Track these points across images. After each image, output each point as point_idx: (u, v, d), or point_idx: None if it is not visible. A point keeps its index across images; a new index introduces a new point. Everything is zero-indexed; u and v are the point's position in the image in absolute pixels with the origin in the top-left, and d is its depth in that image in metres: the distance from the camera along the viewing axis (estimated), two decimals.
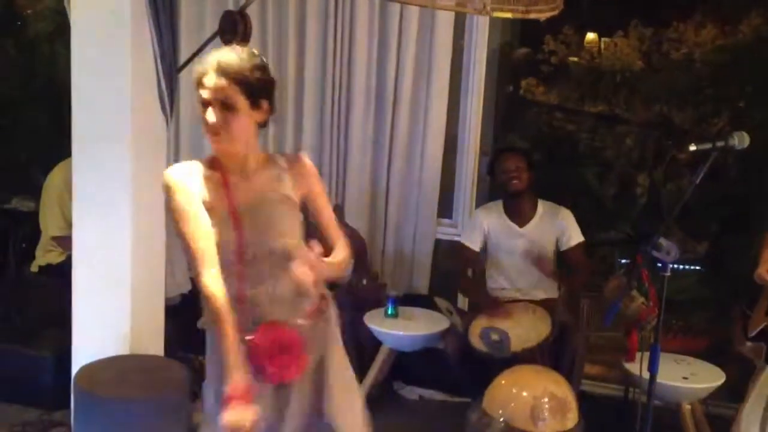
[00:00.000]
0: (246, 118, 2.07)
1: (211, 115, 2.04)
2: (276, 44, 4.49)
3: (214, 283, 2.02)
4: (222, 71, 2.03)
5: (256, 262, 2.11)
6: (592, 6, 5.34)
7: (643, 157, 5.32)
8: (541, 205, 3.82)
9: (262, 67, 2.11)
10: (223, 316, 2.02)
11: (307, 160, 2.24)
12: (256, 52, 2.14)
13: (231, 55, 2.07)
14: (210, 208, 2.08)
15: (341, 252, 2.26)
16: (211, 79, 2.04)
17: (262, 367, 2.10)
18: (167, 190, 2.09)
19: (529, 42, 5.32)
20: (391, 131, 4.38)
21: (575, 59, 5.60)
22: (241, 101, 2.04)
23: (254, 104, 2.07)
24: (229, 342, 2.01)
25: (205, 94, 2.05)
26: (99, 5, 3.09)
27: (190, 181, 2.10)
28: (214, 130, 2.06)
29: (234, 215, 2.09)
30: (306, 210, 2.23)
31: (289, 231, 2.16)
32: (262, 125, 2.15)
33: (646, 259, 2.58)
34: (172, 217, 2.08)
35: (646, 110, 5.32)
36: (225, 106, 2.04)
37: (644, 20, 5.25)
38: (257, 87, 2.07)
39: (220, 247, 2.06)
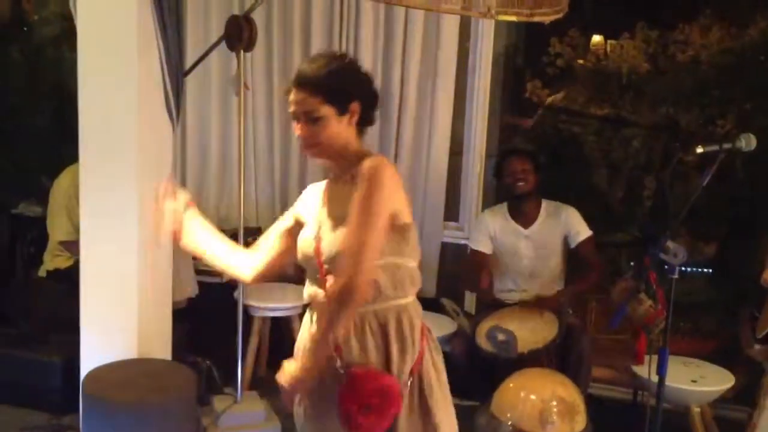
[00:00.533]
0: (335, 125, 1.98)
1: (298, 130, 2.00)
2: (281, 49, 4.50)
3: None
4: (299, 83, 1.98)
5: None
6: (598, 8, 5.33)
7: (649, 160, 5.31)
8: (545, 205, 3.83)
9: (341, 69, 2.00)
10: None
11: (367, 163, 1.93)
12: (338, 52, 2.08)
13: (307, 65, 2.00)
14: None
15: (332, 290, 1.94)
16: (292, 94, 2.00)
17: (348, 415, 1.92)
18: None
19: (534, 44, 5.32)
20: (397, 135, 4.39)
21: (581, 61, 5.59)
22: (325, 110, 1.96)
23: (341, 109, 1.99)
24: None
25: (290, 109, 2.01)
26: (105, 10, 3.10)
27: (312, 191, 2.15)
28: (305, 144, 2.02)
29: (318, 225, 2.05)
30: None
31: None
32: (364, 124, 2.05)
33: (654, 261, 2.57)
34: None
35: (653, 112, 5.31)
36: (310, 119, 1.97)
37: (650, 22, 5.24)
38: (339, 91, 1.97)
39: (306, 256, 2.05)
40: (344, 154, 2.03)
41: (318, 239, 2.03)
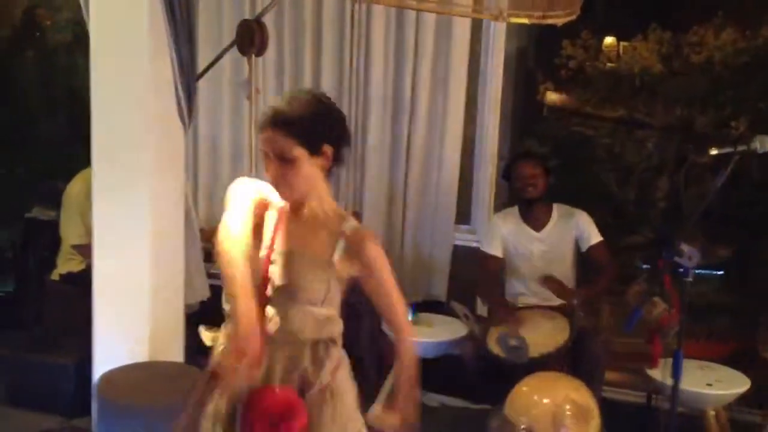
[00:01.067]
0: (306, 168, 1.97)
1: (269, 169, 1.99)
2: (292, 53, 4.51)
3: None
4: (275, 122, 1.95)
5: (277, 305, 2.04)
6: (610, 10, 5.32)
7: (663, 161, 5.29)
8: (556, 209, 3.82)
9: (318, 112, 1.99)
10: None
11: (372, 244, 2.05)
12: (317, 94, 2.05)
13: (285, 105, 1.97)
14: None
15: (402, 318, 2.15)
16: (266, 131, 1.96)
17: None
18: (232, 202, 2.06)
19: (546, 47, 5.30)
20: (408, 138, 4.38)
21: (594, 63, 5.58)
22: (298, 151, 1.94)
23: (314, 151, 1.97)
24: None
25: (262, 147, 1.98)
26: (117, 16, 3.11)
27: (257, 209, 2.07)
28: (275, 184, 2.00)
29: (267, 256, 2.04)
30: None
31: (315, 297, 2.05)
32: (331, 168, 2.04)
33: (668, 264, 2.56)
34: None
35: (666, 114, 5.29)
36: (283, 159, 1.95)
37: (663, 24, 5.22)
38: (313, 134, 1.96)
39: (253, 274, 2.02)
40: (305, 197, 2.04)
41: (268, 262, 2.04)
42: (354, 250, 2.03)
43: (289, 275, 2.03)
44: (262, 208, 2.08)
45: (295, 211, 2.07)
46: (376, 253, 2.04)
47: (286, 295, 2.04)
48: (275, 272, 2.03)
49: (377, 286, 2.09)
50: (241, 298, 1.97)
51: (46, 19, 6.05)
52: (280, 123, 1.95)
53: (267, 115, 1.97)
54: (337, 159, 2.03)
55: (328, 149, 1.99)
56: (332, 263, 2.03)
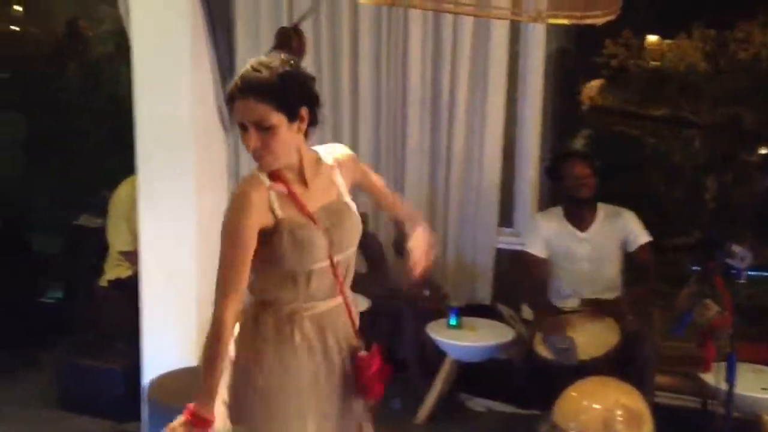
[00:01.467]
0: (286, 133, 1.93)
1: (249, 140, 1.92)
2: (330, 58, 4.51)
3: (232, 309, 1.93)
4: (248, 89, 1.89)
5: (339, 267, 2.05)
6: (653, 8, 5.23)
7: (711, 161, 5.19)
8: (602, 209, 3.75)
9: (291, 73, 1.93)
10: (226, 339, 1.96)
11: (347, 150, 2.21)
12: (284, 58, 1.97)
13: (251, 71, 1.91)
14: (284, 220, 1.97)
15: (407, 207, 2.36)
16: (240, 101, 1.90)
17: (367, 386, 2.10)
18: (231, 206, 1.98)
19: (588, 46, 5.25)
20: (448, 140, 4.36)
21: (636, 62, 5.50)
22: (277, 117, 1.89)
23: (292, 116, 1.93)
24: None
25: (237, 117, 1.93)
26: (158, 26, 3.16)
27: (257, 198, 1.97)
28: (256, 155, 1.95)
29: (313, 220, 2.00)
30: None
31: (355, 241, 2.11)
32: (311, 126, 2.00)
33: (719, 266, 2.50)
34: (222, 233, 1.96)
35: (713, 112, 5.19)
36: (261, 128, 1.90)
37: (708, 21, 5.13)
38: (290, 97, 1.91)
39: (310, 252, 1.98)
40: (295, 160, 2.01)
41: (328, 234, 2.02)
42: (350, 170, 2.16)
43: (341, 241, 2.05)
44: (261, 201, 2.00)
45: (299, 177, 2.03)
46: (353, 154, 2.21)
47: (346, 264, 2.09)
48: (325, 246, 2.01)
49: (374, 188, 2.30)
50: (227, 301, 1.93)
51: (89, 30, 6.15)
52: (252, 90, 1.89)
53: (237, 83, 1.91)
54: (312, 121, 2.00)
55: (304, 111, 1.95)
56: (351, 204, 2.11)
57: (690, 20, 5.17)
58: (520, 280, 3.94)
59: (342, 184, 2.11)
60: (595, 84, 4.19)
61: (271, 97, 1.89)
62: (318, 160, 2.10)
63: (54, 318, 4.78)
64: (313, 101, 1.99)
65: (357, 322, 2.17)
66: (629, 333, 3.40)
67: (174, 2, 3.08)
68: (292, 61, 1.98)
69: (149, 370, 3.21)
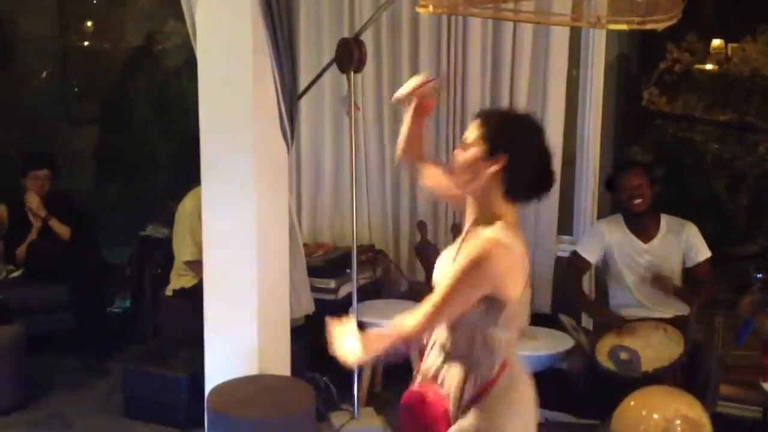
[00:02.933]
0: (476, 163, 1.98)
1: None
2: (390, 69, 4.56)
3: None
4: (478, 114, 2.05)
5: None
6: (717, 12, 5.14)
7: None
8: (665, 220, 3.69)
9: (516, 120, 2.04)
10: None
11: (484, 235, 1.97)
12: (531, 112, 2.18)
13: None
14: None
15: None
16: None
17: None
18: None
19: (650, 51, 5.18)
20: None
21: (701, 67, 5.40)
22: (478, 142, 1.97)
23: (490, 151, 1.95)
24: None
25: None
26: (222, 40, 3.24)
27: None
28: (446, 169, 2.14)
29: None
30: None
31: None
32: (513, 193, 1.99)
33: None
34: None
35: None
36: (463, 144, 2.00)
37: None
38: (497, 134, 1.96)
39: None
40: (479, 203, 2.00)
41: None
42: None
43: None
44: None
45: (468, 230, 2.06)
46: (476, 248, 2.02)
47: None
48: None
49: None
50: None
51: (162, 43, 6.30)
52: (482, 114, 2.01)
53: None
54: (513, 183, 1.95)
55: (502, 158, 1.92)
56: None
57: (755, 23, 5.06)
58: (570, 281, 3.91)
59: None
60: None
61: (487, 124, 1.99)
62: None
63: (122, 327, 4.93)
64: (520, 162, 1.97)
65: None
66: (693, 344, 3.34)
67: (239, 15, 3.16)
68: (532, 116, 2.08)
69: (212, 379, 3.28)
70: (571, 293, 3.94)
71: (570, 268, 3.89)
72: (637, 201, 3.63)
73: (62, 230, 4.80)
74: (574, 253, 3.85)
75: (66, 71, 6.67)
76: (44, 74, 6.58)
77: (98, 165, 6.39)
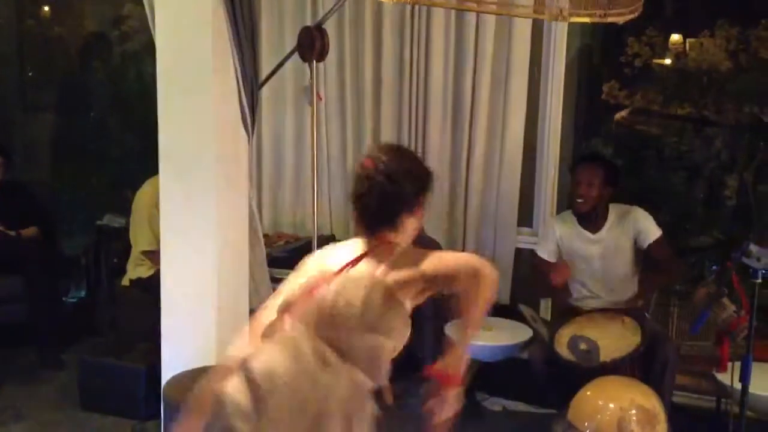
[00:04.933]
0: None
1: None
2: (353, 58, 4.54)
3: None
4: None
5: None
6: (677, 6, 5.20)
7: (732, 160, 5.15)
8: (613, 209, 3.73)
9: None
10: None
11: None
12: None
13: None
14: None
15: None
16: None
17: None
18: None
19: (611, 45, 5.23)
20: (469, 140, 4.37)
21: (660, 61, 5.46)
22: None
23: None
24: None
25: None
26: (181, 27, 3.19)
27: None
28: None
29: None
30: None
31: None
32: None
33: (736, 265, 2.50)
34: None
35: (736, 111, 5.14)
36: None
37: (731, 19, 5.08)
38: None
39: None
40: None
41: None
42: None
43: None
44: None
45: None
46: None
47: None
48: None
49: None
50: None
51: (118, 30, 6.19)
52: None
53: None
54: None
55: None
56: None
57: (713, 18, 5.13)
58: (536, 282, 3.95)
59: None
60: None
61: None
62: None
63: (77, 317, 4.85)
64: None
65: None
66: (651, 334, 3.39)
67: (198, 2, 3.11)
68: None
69: (168, 370, 3.24)
70: (546, 291, 3.97)
71: (534, 270, 3.90)
72: (579, 201, 3.66)
73: (31, 232, 4.70)
74: (537, 257, 3.87)
75: (22, 57, 6.53)
76: None
77: (54, 153, 6.27)
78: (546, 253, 3.82)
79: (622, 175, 3.82)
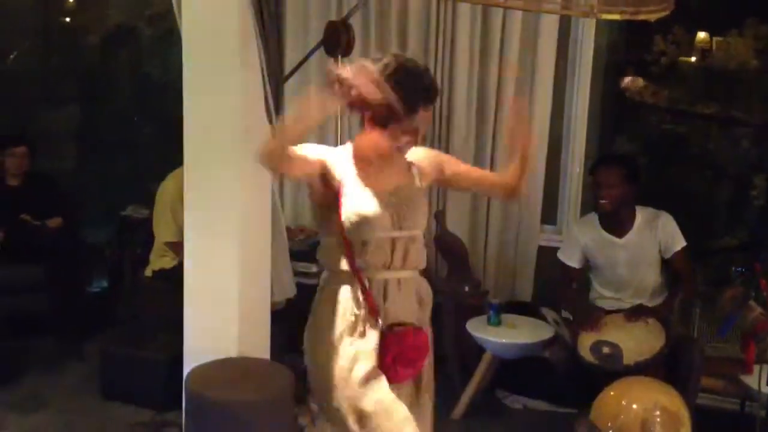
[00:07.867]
0: None
1: None
2: (378, 53, 4.52)
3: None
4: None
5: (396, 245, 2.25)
6: (704, 4, 5.14)
7: (760, 159, 5.09)
8: (640, 213, 3.62)
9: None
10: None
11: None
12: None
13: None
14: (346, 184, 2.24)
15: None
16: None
17: (392, 368, 2.22)
18: None
19: (637, 43, 5.18)
20: (494, 137, 4.34)
21: (686, 59, 5.41)
22: None
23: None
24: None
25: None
26: (208, 21, 3.19)
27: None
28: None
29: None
30: None
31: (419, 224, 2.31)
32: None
33: (765, 267, 2.46)
34: None
35: (763, 111, 5.08)
36: None
37: (761, 17, 5.02)
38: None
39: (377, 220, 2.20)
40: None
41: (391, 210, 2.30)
42: (428, 165, 2.46)
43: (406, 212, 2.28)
44: None
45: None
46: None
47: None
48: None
49: (462, 170, 2.53)
50: None
51: (143, 20, 6.20)
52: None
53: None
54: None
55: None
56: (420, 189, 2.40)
57: (741, 17, 5.07)
58: (558, 292, 3.91)
59: (417, 174, 2.34)
60: (631, 80, 4.08)
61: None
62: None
63: (100, 308, 4.87)
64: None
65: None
66: (675, 337, 3.35)
67: None
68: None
69: (190, 361, 3.25)
70: (560, 296, 3.93)
71: (561, 275, 3.83)
72: (603, 201, 3.57)
73: (55, 222, 4.73)
74: (561, 263, 3.80)
75: (46, 47, 6.56)
76: (17, 52, 6.45)
77: (78, 144, 6.31)
78: (570, 259, 3.75)
79: (642, 171, 3.73)
